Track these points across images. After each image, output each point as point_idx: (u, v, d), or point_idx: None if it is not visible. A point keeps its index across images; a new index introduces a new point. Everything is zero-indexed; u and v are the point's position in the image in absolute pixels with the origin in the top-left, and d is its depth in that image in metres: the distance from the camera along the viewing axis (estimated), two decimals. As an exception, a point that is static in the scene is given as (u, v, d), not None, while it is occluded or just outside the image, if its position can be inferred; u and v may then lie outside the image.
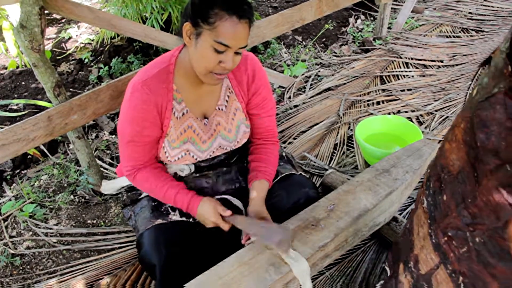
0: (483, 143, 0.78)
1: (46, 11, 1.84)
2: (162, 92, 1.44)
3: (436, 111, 2.97)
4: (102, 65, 3.60)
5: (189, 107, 1.52)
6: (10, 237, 2.20)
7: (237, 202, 1.64)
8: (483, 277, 0.87)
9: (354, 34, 4.21)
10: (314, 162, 2.52)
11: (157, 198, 1.56)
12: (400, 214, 2.12)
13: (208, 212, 1.47)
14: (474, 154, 0.82)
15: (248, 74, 1.58)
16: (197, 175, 1.67)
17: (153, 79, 1.43)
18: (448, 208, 0.92)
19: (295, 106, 3.14)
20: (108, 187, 1.80)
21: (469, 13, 4.59)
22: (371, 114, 2.95)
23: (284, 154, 1.84)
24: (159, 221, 1.52)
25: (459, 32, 4.22)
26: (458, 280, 0.94)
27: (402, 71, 3.50)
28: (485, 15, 4.54)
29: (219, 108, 1.57)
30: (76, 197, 2.42)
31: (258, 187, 1.56)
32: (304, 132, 2.85)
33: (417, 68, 3.57)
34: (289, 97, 3.25)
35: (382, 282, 1.54)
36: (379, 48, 3.87)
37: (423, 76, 3.44)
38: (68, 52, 4.00)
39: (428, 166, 1.07)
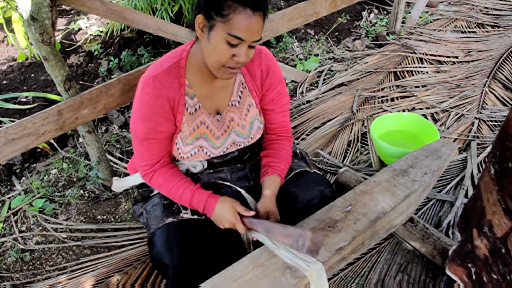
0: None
1: (57, 3, 1.80)
2: (174, 86, 1.40)
3: (451, 108, 2.91)
4: (112, 58, 3.56)
5: (202, 102, 1.48)
6: (20, 231, 2.19)
7: (249, 199, 1.60)
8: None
9: (367, 29, 4.14)
10: (328, 159, 2.47)
11: (173, 200, 1.53)
12: (415, 214, 2.07)
13: (227, 211, 1.43)
14: None
15: (262, 69, 1.54)
16: (211, 171, 1.63)
17: (164, 74, 1.39)
18: None
19: (308, 102, 3.09)
20: (119, 185, 1.77)
21: (485, 7, 4.50)
22: (385, 110, 2.89)
23: (298, 152, 1.81)
24: (170, 219, 1.49)
25: (475, 27, 4.14)
26: None
27: (416, 67, 3.43)
28: (501, 10, 4.44)
29: (232, 104, 1.54)
30: (85, 192, 2.40)
31: (270, 183, 1.52)
32: (317, 128, 2.81)
33: (431, 64, 3.50)
34: (302, 92, 3.20)
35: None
36: (393, 43, 3.80)
37: (438, 72, 3.37)
38: (78, 44, 3.97)
39: (496, 136, 1.09)
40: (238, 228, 1.43)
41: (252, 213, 1.43)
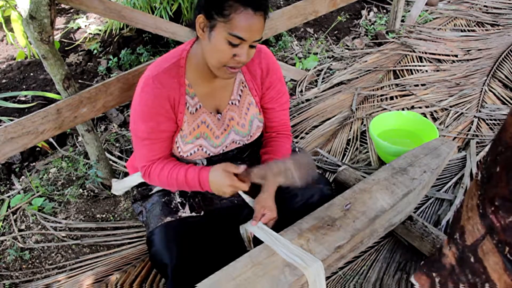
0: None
1: (55, 2, 1.80)
2: (174, 86, 1.40)
3: (450, 107, 2.91)
4: (111, 56, 3.56)
5: (202, 102, 1.48)
6: (19, 230, 2.19)
7: (248, 198, 1.60)
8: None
9: (366, 27, 4.13)
10: (327, 158, 2.47)
11: (172, 187, 1.50)
12: (414, 212, 2.07)
13: (221, 176, 1.36)
14: None
15: (262, 68, 1.54)
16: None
17: (164, 74, 1.39)
18: (499, 178, 0.93)
19: (307, 100, 3.09)
20: (119, 187, 1.77)
21: (485, 6, 4.49)
22: (385, 109, 2.89)
23: (297, 150, 1.81)
24: (168, 218, 1.49)
25: (474, 26, 4.13)
26: (504, 250, 0.96)
27: (415, 66, 3.43)
28: (501, 8, 4.43)
29: (232, 103, 1.54)
30: (85, 190, 2.40)
31: None
32: (316, 127, 2.80)
33: (431, 62, 3.50)
34: (301, 91, 3.20)
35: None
36: (392, 41, 3.79)
37: (437, 71, 3.37)
38: (77, 43, 3.97)
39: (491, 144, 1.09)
40: (240, 188, 1.37)
41: (243, 167, 1.38)
